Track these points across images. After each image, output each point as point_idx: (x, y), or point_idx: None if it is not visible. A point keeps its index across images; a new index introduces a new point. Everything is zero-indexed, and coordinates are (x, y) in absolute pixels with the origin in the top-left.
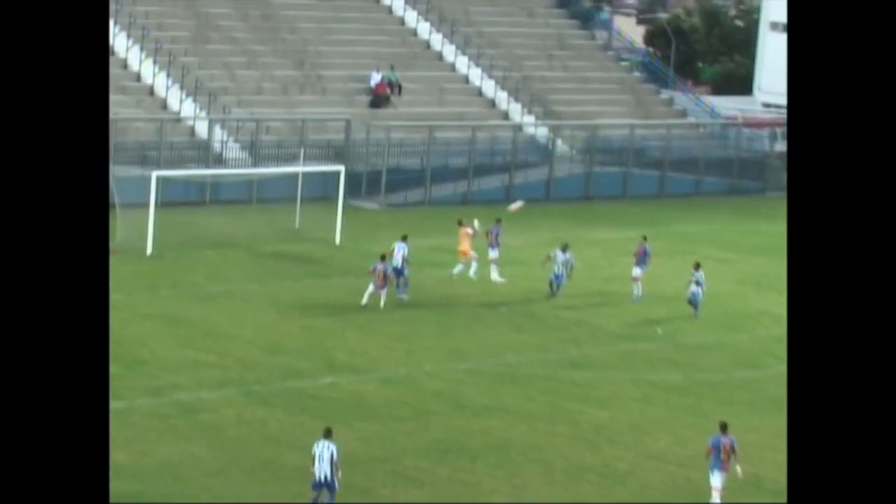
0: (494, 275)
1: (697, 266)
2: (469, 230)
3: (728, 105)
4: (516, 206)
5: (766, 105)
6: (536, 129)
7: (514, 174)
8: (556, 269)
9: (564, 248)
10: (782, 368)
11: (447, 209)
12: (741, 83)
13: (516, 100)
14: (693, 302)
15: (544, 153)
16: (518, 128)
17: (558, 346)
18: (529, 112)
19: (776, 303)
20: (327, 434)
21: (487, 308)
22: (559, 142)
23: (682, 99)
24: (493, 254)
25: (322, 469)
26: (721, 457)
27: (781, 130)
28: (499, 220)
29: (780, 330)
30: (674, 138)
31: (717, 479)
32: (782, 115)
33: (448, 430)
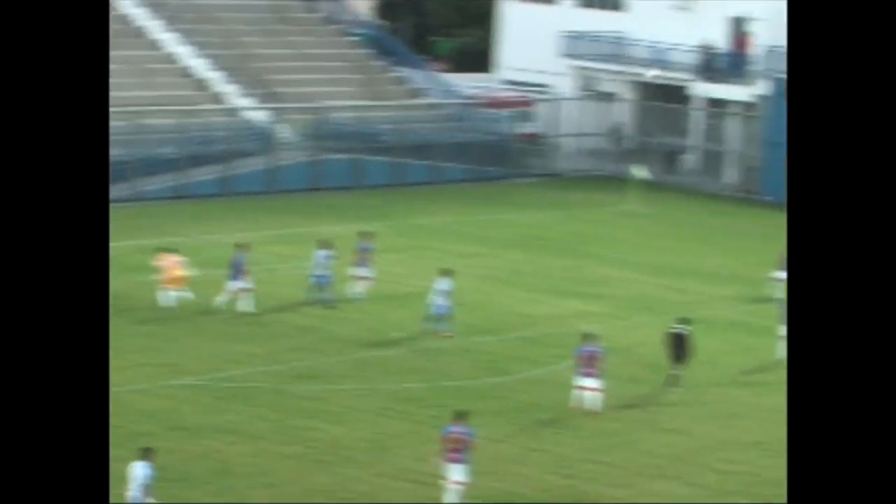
0: (357, 289)
1: (447, 273)
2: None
3: (467, 83)
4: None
5: (508, 83)
6: (255, 114)
7: (232, 164)
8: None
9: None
10: (533, 373)
11: (155, 205)
12: (480, 59)
13: (232, 81)
14: (438, 316)
15: (265, 140)
16: (234, 112)
17: (286, 356)
18: (247, 94)
19: (525, 301)
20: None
21: (206, 317)
22: (282, 127)
23: (416, 77)
24: (361, 272)
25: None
26: (454, 448)
27: (525, 111)
28: (367, 234)
29: (530, 331)
30: (409, 121)
31: (451, 471)
32: (525, 93)
33: (163, 455)
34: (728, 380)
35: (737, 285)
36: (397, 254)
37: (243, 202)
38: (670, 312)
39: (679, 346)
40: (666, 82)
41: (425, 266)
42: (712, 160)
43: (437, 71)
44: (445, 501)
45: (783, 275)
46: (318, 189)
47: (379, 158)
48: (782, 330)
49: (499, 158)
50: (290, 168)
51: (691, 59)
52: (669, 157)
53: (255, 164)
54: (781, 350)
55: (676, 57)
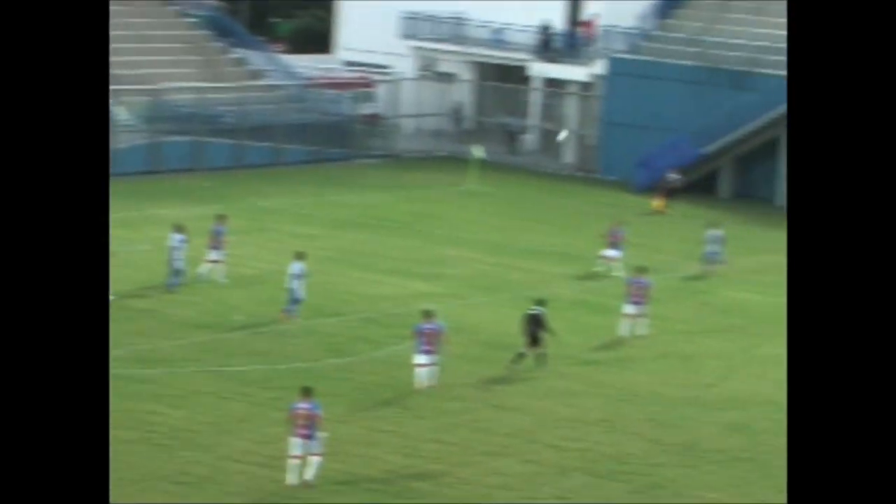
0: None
1: (300, 256)
2: None
3: (307, 65)
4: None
5: (349, 64)
6: None
7: None
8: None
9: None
10: (375, 354)
11: None
12: (320, 40)
13: None
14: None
15: None
16: None
17: (125, 339)
18: None
19: (367, 282)
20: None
21: None
22: (119, 109)
23: (256, 58)
24: (214, 255)
25: None
26: (298, 423)
27: (366, 92)
28: (222, 217)
29: (372, 312)
30: (249, 102)
31: (298, 448)
32: (366, 74)
33: None
34: (568, 358)
35: (576, 264)
36: (238, 236)
37: None
38: (511, 291)
39: (536, 328)
40: (504, 62)
41: (266, 248)
42: (551, 140)
43: (277, 52)
44: (291, 478)
45: (612, 252)
46: (157, 172)
47: (219, 140)
48: (627, 308)
49: (339, 139)
50: (128, 151)
51: (529, 39)
52: (509, 137)
53: None
54: (624, 328)
55: (515, 37)
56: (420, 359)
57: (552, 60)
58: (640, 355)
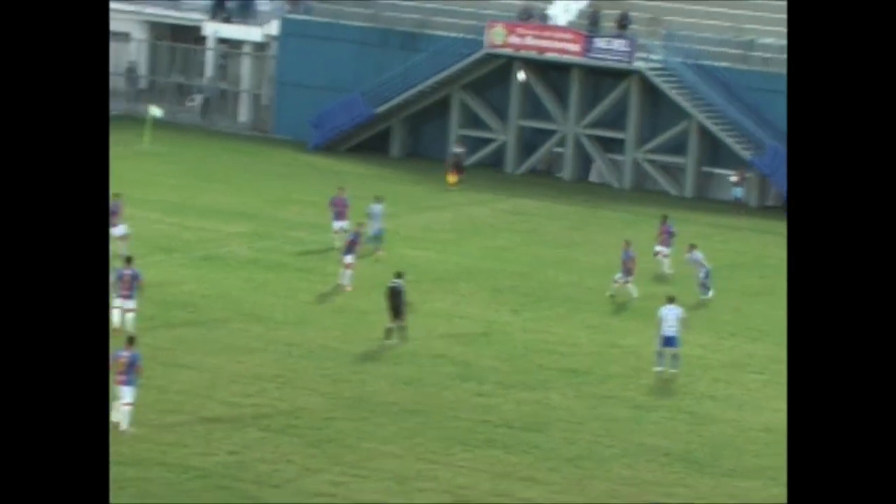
0: None
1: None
2: None
3: None
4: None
5: None
6: None
7: None
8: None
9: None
10: None
11: None
12: None
13: None
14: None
15: None
16: None
17: None
18: None
19: None
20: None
21: None
22: None
23: None
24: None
25: None
26: (119, 370)
27: None
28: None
29: None
30: None
31: (121, 394)
32: None
33: None
34: (241, 314)
35: (251, 222)
36: None
37: None
38: (187, 251)
39: (397, 300)
40: (179, 22)
41: None
42: (226, 100)
43: None
44: (116, 421)
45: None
46: None
47: None
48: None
49: None
50: None
51: None
52: (183, 97)
53: None
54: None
55: None
56: (122, 303)
57: (226, 21)
58: (317, 312)
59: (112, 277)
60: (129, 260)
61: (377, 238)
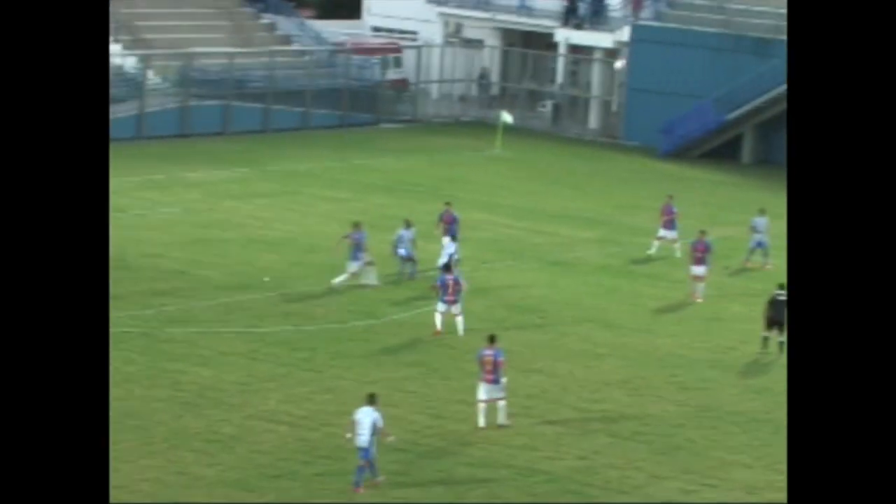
0: None
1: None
2: None
3: (336, 30)
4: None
5: (376, 29)
6: (124, 60)
7: None
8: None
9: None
10: (399, 316)
11: None
12: (349, 6)
13: None
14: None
15: (133, 86)
16: None
17: (156, 299)
18: (115, 40)
19: (387, 243)
20: (370, 400)
21: None
22: (150, 73)
23: (285, 24)
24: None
25: (362, 437)
26: (486, 368)
27: (394, 57)
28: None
29: (397, 274)
30: (278, 67)
31: (487, 393)
32: (393, 39)
33: None
34: (589, 320)
35: (600, 228)
36: (265, 199)
37: (112, 148)
38: (537, 255)
39: (778, 312)
40: (530, 29)
41: (294, 211)
42: (576, 106)
43: (306, 18)
44: (481, 421)
45: (667, 233)
46: (187, 135)
47: (248, 104)
48: (695, 270)
49: (367, 104)
50: (159, 114)
51: (555, 6)
52: (534, 103)
53: (124, 111)
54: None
55: (541, 4)
56: (447, 308)
57: (577, 27)
58: (664, 319)
59: (436, 282)
60: (447, 268)
61: (763, 251)
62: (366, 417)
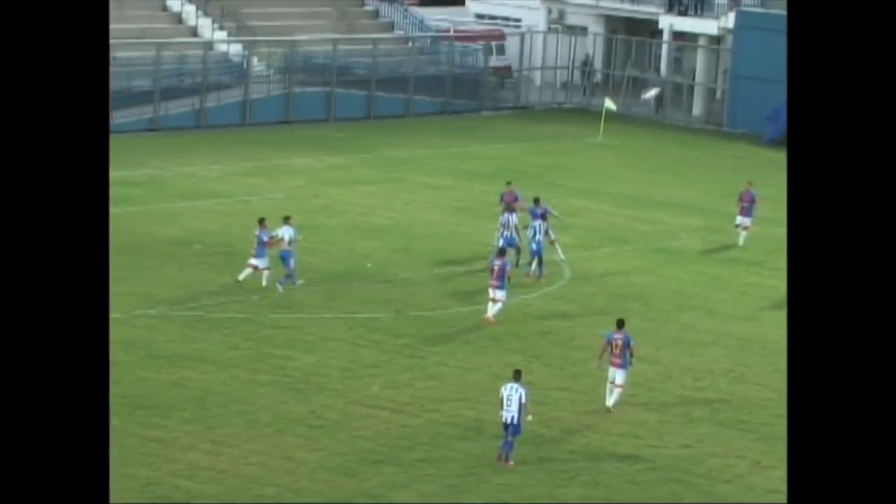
0: None
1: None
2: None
3: (439, 17)
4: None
5: (479, 16)
6: (229, 47)
7: (206, 97)
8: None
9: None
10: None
11: (130, 138)
12: None
13: (205, 14)
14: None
15: (239, 73)
16: (209, 45)
17: (259, 285)
18: (221, 27)
19: (494, 232)
20: (516, 377)
21: (180, 246)
22: (255, 60)
23: (388, 11)
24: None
25: (509, 412)
26: (614, 352)
27: (497, 44)
28: None
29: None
30: (381, 54)
31: (612, 376)
32: (496, 26)
33: (137, 384)
34: (693, 308)
35: (703, 216)
36: (368, 185)
37: (217, 135)
38: (639, 243)
39: None
40: (634, 16)
41: (397, 198)
42: (679, 93)
43: (410, 5)
44: (611, 404)
45: (742, 219)
46: (291, 122)
47: (352, 91)
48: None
49: (470, 91)
50: (263, 101)
51: None
52: (637, 90)
53: (229, 97)
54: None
55: None
56: (492, 293)
57: (682, 14)
58: (767, 307)
59: (488, 264)
60: (502, 252)
61: None
62: (514, 393)
